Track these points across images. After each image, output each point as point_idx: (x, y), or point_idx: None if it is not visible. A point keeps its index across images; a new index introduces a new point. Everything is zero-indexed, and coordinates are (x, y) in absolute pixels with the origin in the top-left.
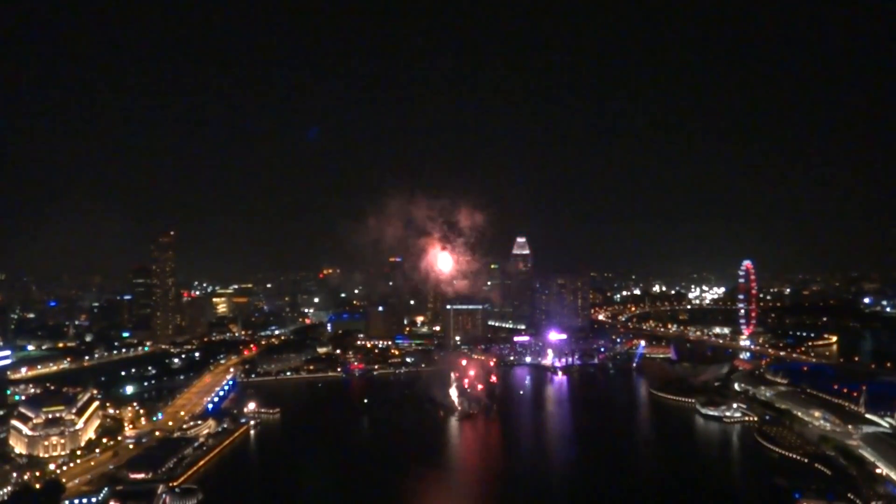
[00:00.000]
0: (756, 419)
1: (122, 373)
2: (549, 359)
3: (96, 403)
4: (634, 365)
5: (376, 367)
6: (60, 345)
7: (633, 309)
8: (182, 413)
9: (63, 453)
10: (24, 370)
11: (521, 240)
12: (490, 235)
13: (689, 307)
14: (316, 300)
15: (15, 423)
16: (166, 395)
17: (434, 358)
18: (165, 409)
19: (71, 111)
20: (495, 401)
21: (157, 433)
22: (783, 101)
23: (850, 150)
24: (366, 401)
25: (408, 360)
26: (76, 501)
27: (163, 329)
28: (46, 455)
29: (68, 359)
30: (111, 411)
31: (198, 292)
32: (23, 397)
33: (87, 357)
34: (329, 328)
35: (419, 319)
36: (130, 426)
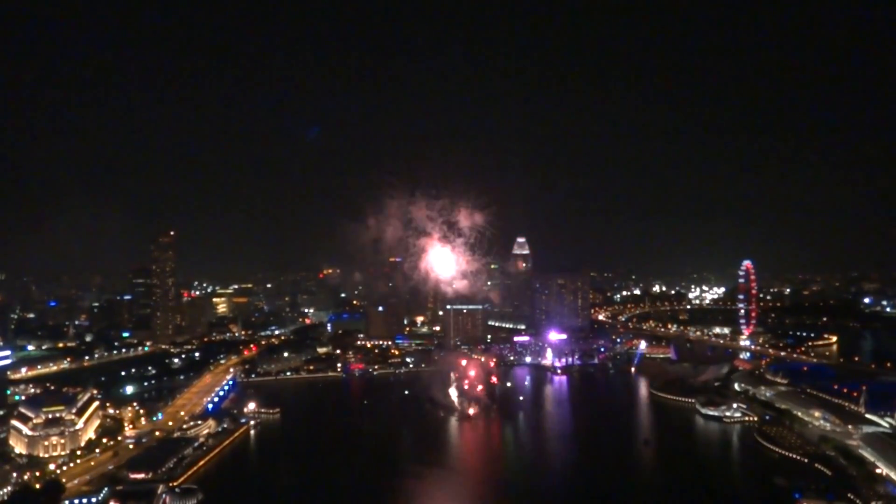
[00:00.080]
0: (756, 419)
1: (122, 373)
2: (549, 359)
3: (96, 403)
4: (634, 365)
5: (376, 367)
6: (60, 345)
7: (633, 309)
8: (182, 413)
9: (63, 453)
10: (24, 370)
11: (521, 240)
12: (490, 235)
13: (689, 307)
14: (316, 300)
15: (15, 423)
16: (166, 395)
17: (434, 358)
18: (165, 409)
19: (71, 111)
20: (495, 401)
21: (157, 433)
22: (783, 100)
23: (850, 149)
24: (365, 402)
25: (408, 360)
26: (76, 501)
27: (163, 329)
28: (46, 455)
29: (68, 359)
30: (111, 411)
31: (198, 292)
32: (23, 397)
33: (87, 357)
34: (329, 328)
35: (419, 319)
36: (130, 426)
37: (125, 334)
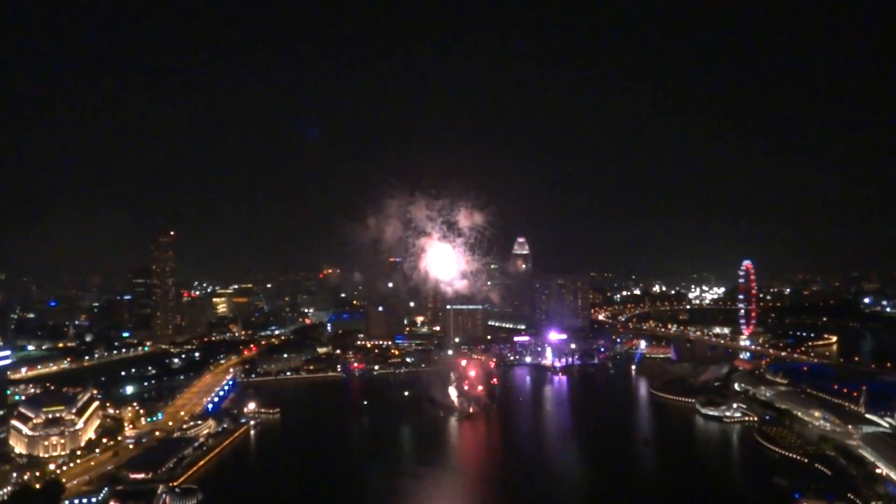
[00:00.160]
0: (756, 419)
1: (122, 373)
2: (549, 359)
3: (96, 403)
4: (634, 365)
5: (376, 367)
6: (60, 345)
7: (633, 309)
8: (182, 413)
9: (63, 453)
10: (24, 370)
11: (521, 240)
12: (490, 235)
13: (689, 307)
14: (316, 300)
15: (15, 423)
16: (166, 395)
17: (434, 358)
18: (165, 409)
19: (70, 111)
20: (495, 401)
21: (157, 433)
22: (783, 100)
23: (851, 150)
24: (365, 402)
25: (408, 360)
26: (76, 501)
27: (163, 329)
28: (46, 455)
29: (68, 359)
30: (111, 411)
31: (198, 292)
32: (23, 397)
33: (87, 357)
34: (329, 328)
35: (419, 319)
36: (130, 426)
37: (125, 334)
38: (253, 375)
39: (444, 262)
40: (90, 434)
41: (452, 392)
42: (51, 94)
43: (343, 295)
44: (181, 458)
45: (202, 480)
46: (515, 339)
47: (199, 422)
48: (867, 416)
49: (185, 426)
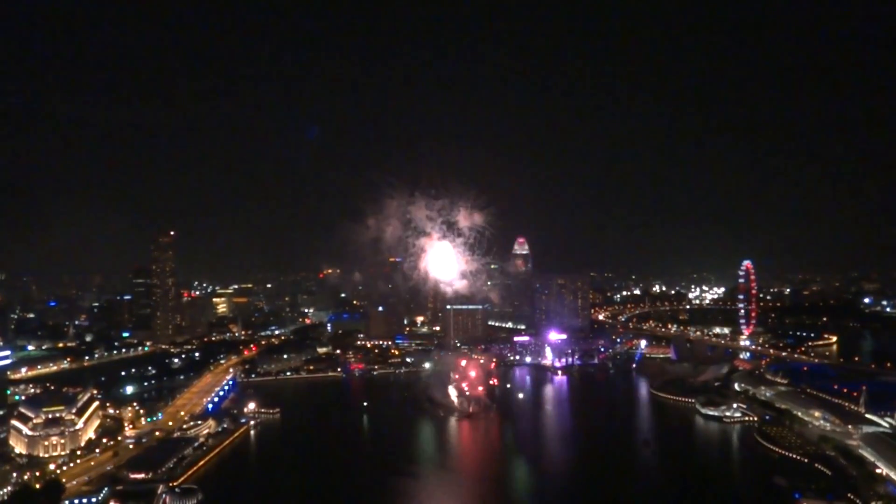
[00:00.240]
0: (756, 419)
1: (122, 373)
2: (549, 359)
3: (96, 403)
4: (634, 365)
5: (376, 367)
6: (60, 345)
7: (633, 309)
8: (182, 413)
9: (63, 453)
10: (24, 370)
11: (521, 240)
12: (490, 235)
13: (689, 307)
14: (316, 300)
15: (15, 423)
16: (166, 395)
17: (434, 358)
18: (165, 409)
19: (71, 111)
20: (495, 401)
21: (157, 433)
22: (783, 100)
23: (851, 150)
24: (365, 403)
25: (408, 360)
26: (76, 501)
27: (163, 329)
28: (46, 455)
29: (68, 359)
30: (111, 411)
31: (198, 292)
32: (23, 397)
33: (87, 357)
34: (329, 328)
35: (419, 319)
36: (130, 426)
37: (125, 334)
38: (253, 375)
39: (444, 262)
40: (90, 434)
41: (452, 392)
42: (51, 94)
43: (343, 295)
44: (181, 458)
45: (202, 480)
46: (515, 339)
47: (199, 422)
48: (867, 416)
49: (185, 426)
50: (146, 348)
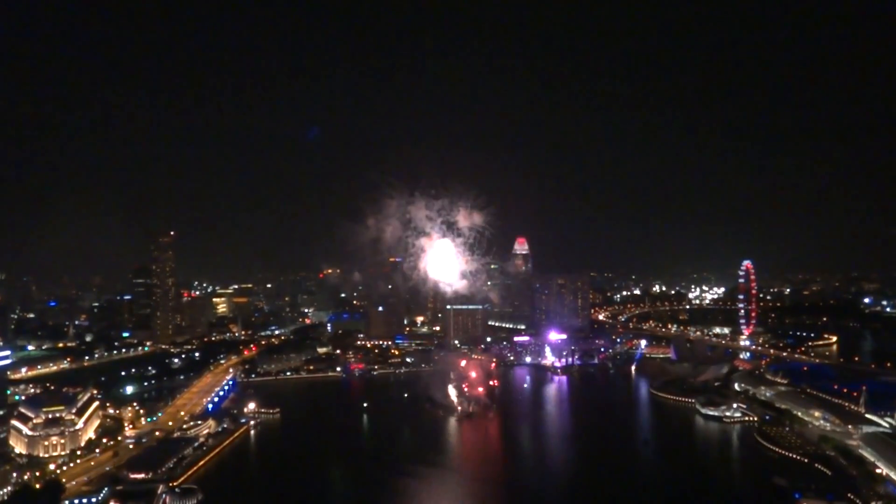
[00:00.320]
0: (756, 419)
1: (122, 373)
2: (548, 359)
3: (96, 403)
4: (634, 365)
5: (376, 367)
6: (60, 345)
7: (633, 309)
8: (182, 413)
9: (63, 453)
10: (24, 370)
11: (521, 240)
12: (490, 235)
13: (689, 307)
14: (316, 300)
15: (15, 423)
16: (166, 395)
17: (434, 358)
18: (165, 409)
19: (71, 111)
20: (495, 401)
21: (157, 433)
22: (783, 100)
23: (850, 149)
24: (365, 404)
25: (408, 360)
26: (76, 501)
27: (163, 329)
28: (46, 455)
29: (68, 359)
30: (111, 411)
31: (198, 292)
32: (23, 397)
33: (87, 357)
34: (329, 328)
35: (419, 319)
36: (130, 426)
37: (125, 334)
38: (253, 375)
39: (444, 262)
40: (90, 434)
41: (452, 392)
42: (52, 94)
43: (343, 295)
44: (181, 458)
45: (202, 480)
46: (515, 339)
47: (199, 422)
48: (867, 416)
49: (185, 426)
50: (146, 348)
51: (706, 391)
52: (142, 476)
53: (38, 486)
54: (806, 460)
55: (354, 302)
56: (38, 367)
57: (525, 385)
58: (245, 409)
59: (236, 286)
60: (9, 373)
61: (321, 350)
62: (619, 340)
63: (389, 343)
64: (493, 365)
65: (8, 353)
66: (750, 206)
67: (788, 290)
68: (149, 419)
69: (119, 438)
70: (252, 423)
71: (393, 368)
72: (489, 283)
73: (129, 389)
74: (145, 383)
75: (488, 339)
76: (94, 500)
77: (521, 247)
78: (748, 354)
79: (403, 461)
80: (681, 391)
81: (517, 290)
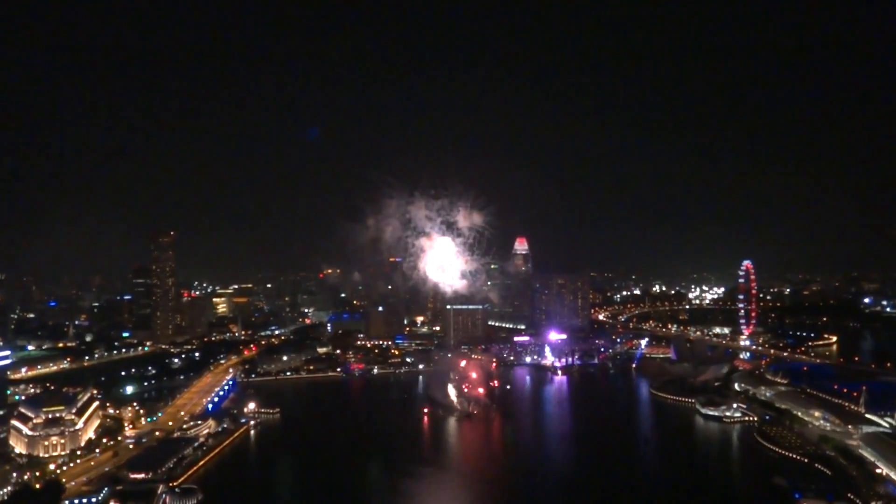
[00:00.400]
0: (756, 419)
1: (122, 373)
2: (549, 359)
3: (96, 403)
4: (634, 365)
5: (376, 367)
6: (60, 345)
7: (633, 309)
8: (182, 413)
9: (63, 453)
10: (24, 370)
11: (521, 240)
12: (489, 235)
13: (689, 307)
14: (316, 300)
15: (15, 423)
16: (166, 395)
17: (434, 358)
18: (165, 409)
19: (71, 111)
20: (495, 401)
21: (157, 433)
22: (783, 101)
23: (850, 150)
24: (365, 404)
25: (408, 359)
26: (76, 501)
27: (163, 329)
28: (46, 455)
29: (68, 359)
30: (111, 411)
31: (198, 292)
32: (23, 397)
33: (87, 357)
34: (329, 328)
35: (419, 319)
36: (130, 426)
37: (125, 334)
38: (253, 375)
39: (444, 262)
40: (90, 434)
41: (452, 392)
42: (52, 94)
43: (343, 295)
44: (181, 458)
45: (202, 480)
46: (515, 339)
47: (199, 422)
48: (867, 416)
49: (185, 426)
50: (146, 348)
51: (706, 391)
52: (142, 476)
53: (38, 486)
54: (806, 460)
55: (354, 302)
56: (38, 367)
57: (525, 385)
58: (245, 409)
59: (236, 286)
60: (9, 373)
61: (321, 350)
62: (619, 340)
63: (389, 343)
64: (493, 365)
65: (8, 353)
66: (750, 206)
67: (788, 290)
68: (149, 419)
69: (119, 438)
70: (252, 423)
71: (393, 368)
72: (489, 283)
73: (129, 389)
74: (145, 383)
75: (488, 339)
76: (94, 500)
77: (521, 247)
78: (748, 354)
79: (403, 461)
80: (681, 391)
81: (517, 290)
